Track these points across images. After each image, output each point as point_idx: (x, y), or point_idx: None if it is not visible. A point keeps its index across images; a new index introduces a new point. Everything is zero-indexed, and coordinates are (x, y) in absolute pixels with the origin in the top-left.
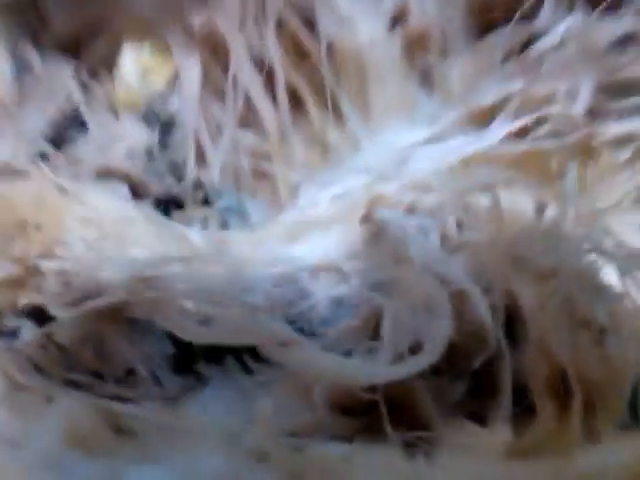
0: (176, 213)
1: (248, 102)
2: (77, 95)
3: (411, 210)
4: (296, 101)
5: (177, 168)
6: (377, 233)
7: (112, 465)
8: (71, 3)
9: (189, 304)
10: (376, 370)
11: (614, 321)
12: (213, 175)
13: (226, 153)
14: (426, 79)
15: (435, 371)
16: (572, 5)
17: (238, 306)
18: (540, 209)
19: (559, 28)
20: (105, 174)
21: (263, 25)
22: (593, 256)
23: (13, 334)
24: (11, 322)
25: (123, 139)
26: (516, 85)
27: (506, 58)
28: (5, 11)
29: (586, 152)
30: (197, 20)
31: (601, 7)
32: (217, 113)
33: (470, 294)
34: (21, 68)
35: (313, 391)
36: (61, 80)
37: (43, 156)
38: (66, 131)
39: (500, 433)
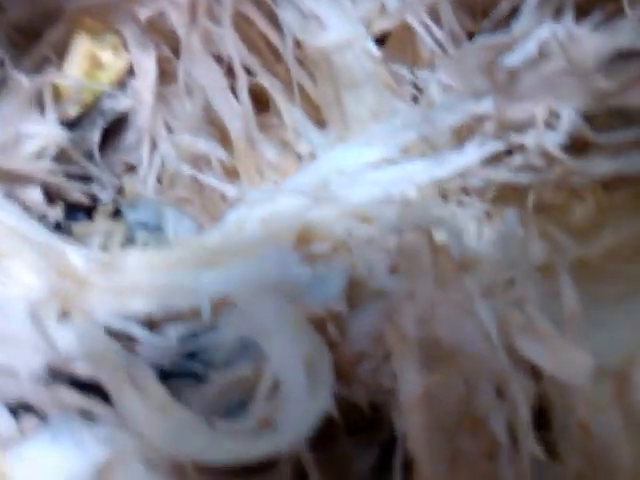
0: (77, 225)
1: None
2: None
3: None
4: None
5: (114, 171)
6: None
7: None
8: None
9: None
10: (223, 448)
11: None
12: (147, 184)
13: (167, 160)
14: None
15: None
16: (559, 11)
17: None
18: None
19: (538, 37)
20: (6, 177)
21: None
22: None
23: None
24: None
25: (33, 138)
26: (487, 105)
27: (480, 72)
28: None
29: (567, 191)
30: (145, 11)
31: (595, 15)
32: (172, 114)
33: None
34: None
35: None
36: None
37: None
38: None
39: None
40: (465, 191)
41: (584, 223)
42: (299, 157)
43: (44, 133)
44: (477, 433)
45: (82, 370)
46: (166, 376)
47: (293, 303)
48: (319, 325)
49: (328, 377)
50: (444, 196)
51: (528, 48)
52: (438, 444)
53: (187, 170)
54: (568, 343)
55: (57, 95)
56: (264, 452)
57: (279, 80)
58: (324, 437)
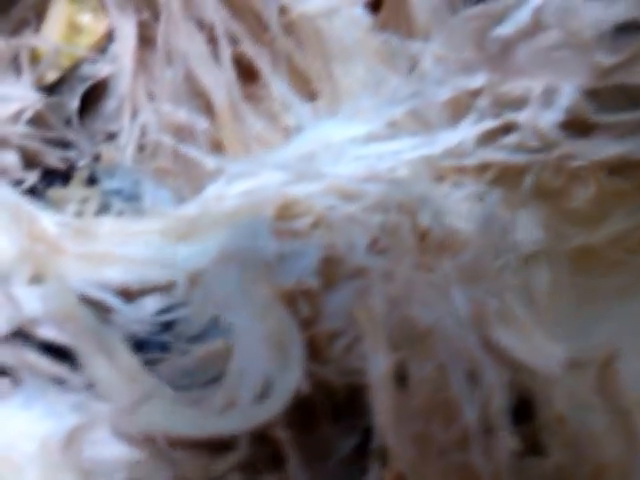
0: (53, 191)
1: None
2: None
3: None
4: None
5: (92, 139)
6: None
7: None
8: None
9: None
10: (188, 421)
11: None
12: (125, 152)
13: (148, 129)
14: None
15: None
16: None
17: None
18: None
19: (532, 5)
20: None
21: None
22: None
23: None
24: None
25: (9, 101)
26: (481, 80)
27: (471, 43)
28: None
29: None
30: None
31: None
32: (153, 82)
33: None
34: None
35: None
36: None
37: None
38: None
39: None
40: (462, 172)
41: (586, 209)
42: (286, 130)
43: (20, 96)
44: (450, 422)
45: (49, 333)
46: (139, 347)
47: (262, 277)
48: (291, 301)
49: (299, 353)
50: (440, 177)
51: (521, 17)
52: (407, 427)
53: (168, 140)
54: (541, 333)
55: (35, 59)
56: (230, 429)
57: (266, 50)
58: (306, 422)
